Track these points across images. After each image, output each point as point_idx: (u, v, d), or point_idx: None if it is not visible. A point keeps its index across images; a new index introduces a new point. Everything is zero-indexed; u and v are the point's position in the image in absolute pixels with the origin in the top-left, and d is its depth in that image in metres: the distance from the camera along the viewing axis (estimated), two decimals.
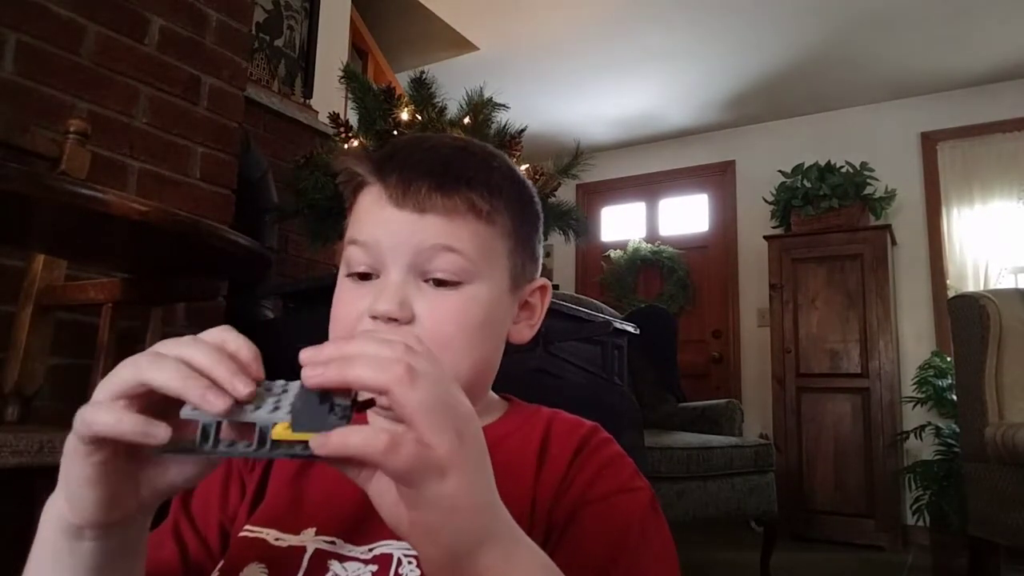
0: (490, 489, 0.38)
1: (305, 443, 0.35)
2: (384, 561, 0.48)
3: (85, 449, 0.36)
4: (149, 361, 0.36)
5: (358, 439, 0.33)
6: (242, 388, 0.35)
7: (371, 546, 0.49)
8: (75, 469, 0.37)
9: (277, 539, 0.51)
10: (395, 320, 0.50)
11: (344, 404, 0.36)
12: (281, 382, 0.37)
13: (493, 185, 0.54)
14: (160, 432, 0.35)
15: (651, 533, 0.51)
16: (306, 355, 0.36)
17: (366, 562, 0.49)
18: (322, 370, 0.35)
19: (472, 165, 0.55)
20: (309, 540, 0.50)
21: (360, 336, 0.37)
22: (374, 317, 0.51)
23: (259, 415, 0.36)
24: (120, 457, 0.37)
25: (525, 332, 0.59)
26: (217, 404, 0.35)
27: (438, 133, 1.70)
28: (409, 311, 0.51)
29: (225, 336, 0.38)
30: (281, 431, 0.35)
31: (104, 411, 0.35)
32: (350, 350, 0.35)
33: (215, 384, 0.35)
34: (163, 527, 0.55)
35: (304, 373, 0.35)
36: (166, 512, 0.56)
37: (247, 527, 0.53)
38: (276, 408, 0.36)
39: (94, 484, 0.37)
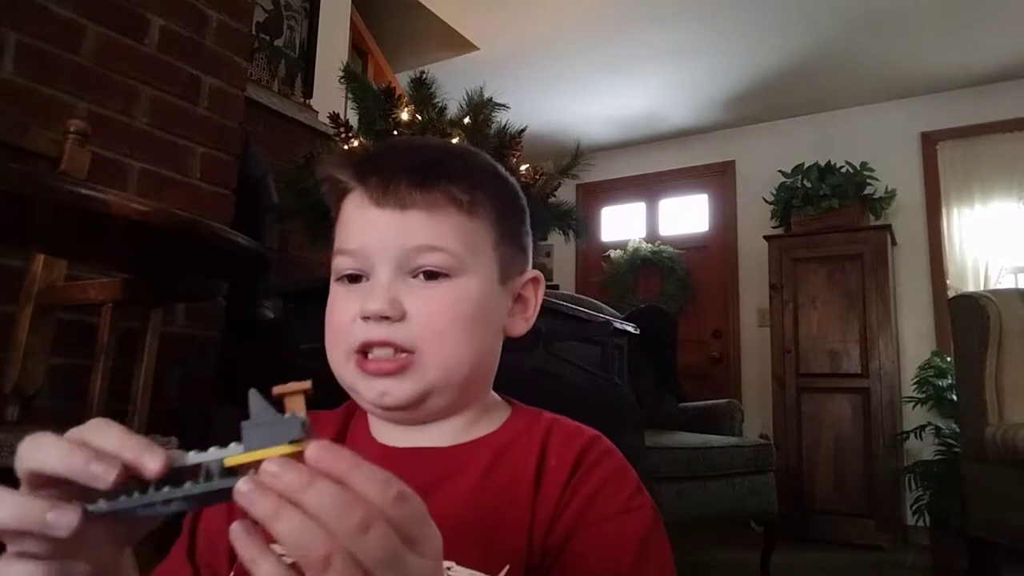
0: None
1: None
2: None
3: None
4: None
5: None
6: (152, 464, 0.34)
7: None
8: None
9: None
10: (387, 318, 0.51)
11: (301, 418, 0.34)
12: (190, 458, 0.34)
13: (473, 178, 0.55)
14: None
15: (647, 559, 0.49)
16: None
17: None
18: (257, 497, 0.32)
19: (451, 160, 0.56)
20: None
21: (317, 492, 0.32)
22: (365, 318, 0.51)
23: (202, 456, 0.34)
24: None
25: (520, 325, 0.59)
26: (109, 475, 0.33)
27: (426, 136, 1.68)
28: (400, 308, 0.51)
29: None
30: (234, 459, 0.33)
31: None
32: (304, 499, 0.32)
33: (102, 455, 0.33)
34: (177, 550, 0.54)
35: (239, 486, 0.32)
36: (178, 528, 0.55)
37: None
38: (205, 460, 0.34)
39: None
